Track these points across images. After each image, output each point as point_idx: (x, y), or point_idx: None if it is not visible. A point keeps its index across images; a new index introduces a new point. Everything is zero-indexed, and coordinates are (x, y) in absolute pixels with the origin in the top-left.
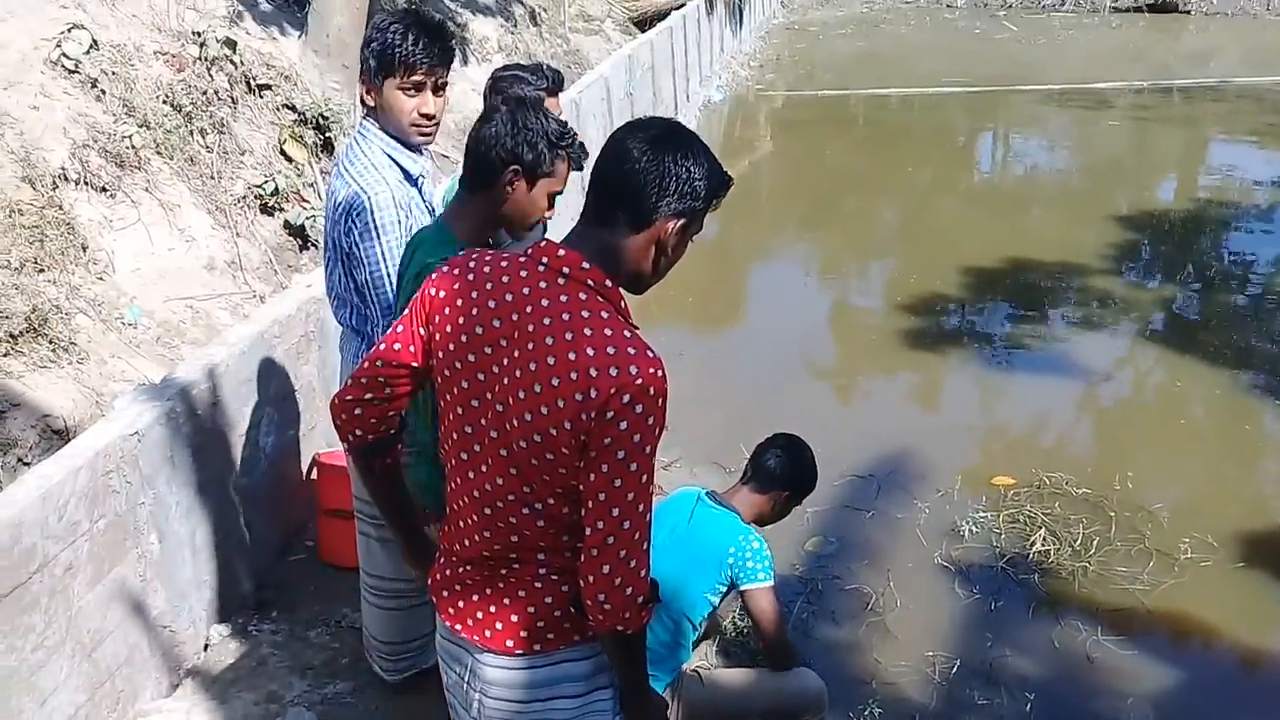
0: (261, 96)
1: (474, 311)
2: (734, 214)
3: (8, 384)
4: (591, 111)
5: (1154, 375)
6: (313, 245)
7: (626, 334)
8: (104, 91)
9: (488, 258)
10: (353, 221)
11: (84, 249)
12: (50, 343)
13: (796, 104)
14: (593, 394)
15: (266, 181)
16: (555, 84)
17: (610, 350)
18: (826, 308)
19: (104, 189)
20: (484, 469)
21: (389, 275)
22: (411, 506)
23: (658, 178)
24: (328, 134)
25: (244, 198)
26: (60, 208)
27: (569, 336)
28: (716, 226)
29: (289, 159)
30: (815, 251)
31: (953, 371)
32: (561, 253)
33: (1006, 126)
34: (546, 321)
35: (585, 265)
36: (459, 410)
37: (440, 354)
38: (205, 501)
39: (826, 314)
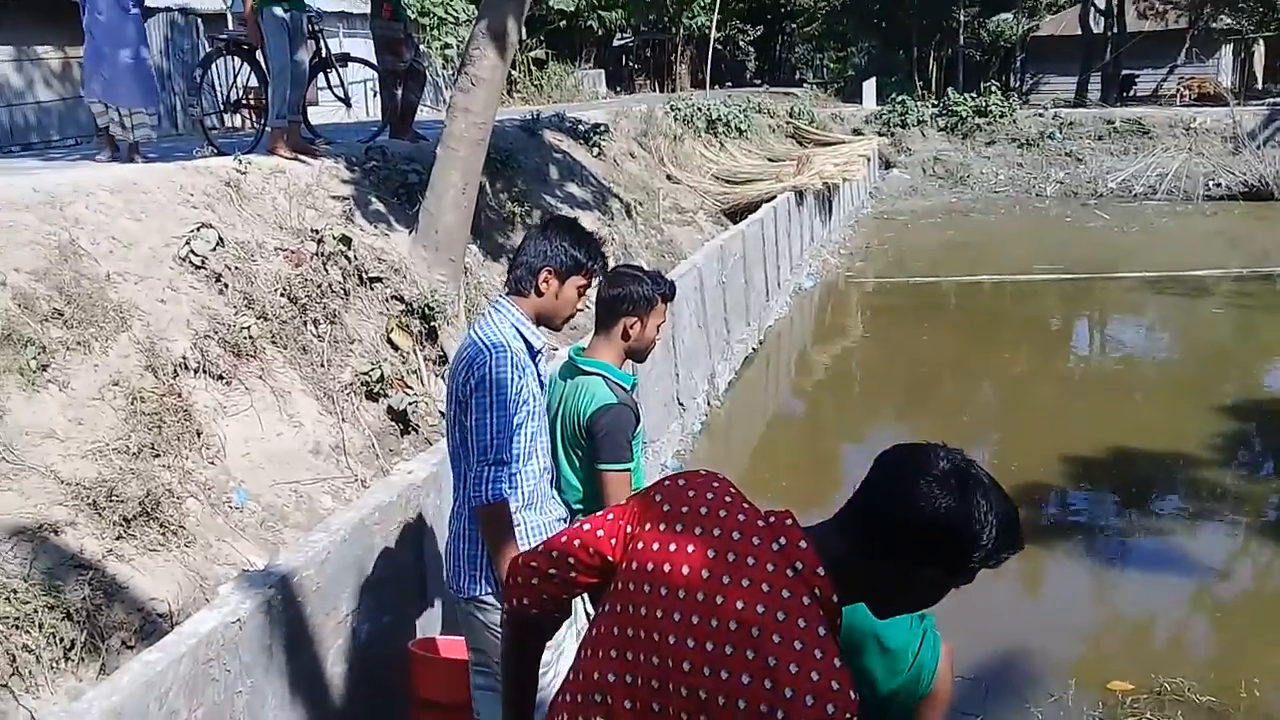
0: (372, 288)
1: (690, 549)
2: (827, 398)
3: (118, 567)
4: (685, 299)
5: (1274, 572)
6: (414, 430)
7: (837, 663)
8: (227, 285)
9: (728, 498)
10: (471, 371)
11: (198, 434)
12: (161, 526)
13: (888, 290)
14: (779, 715)
15: (373, 369)
16: (670, 291)
17: (814, 676)
18: None
19: (221, 377)
20: (627, 705)
21: (492, 426)
22: (533, 700)
23: (946, 529)
24: (433, 323)
25: (351, 384)
26: (179, 395)
27: (776, 640)
28: (809, 410)
29: (395, 347)
30: (911, 437)
31: (1060, 564)
32: (803, 544)
33: (1103, 313)
34: (760, 610)
35: (820, 571)
36: (619, 631)
37: (633, 564)
38: (301, 691)
39: None
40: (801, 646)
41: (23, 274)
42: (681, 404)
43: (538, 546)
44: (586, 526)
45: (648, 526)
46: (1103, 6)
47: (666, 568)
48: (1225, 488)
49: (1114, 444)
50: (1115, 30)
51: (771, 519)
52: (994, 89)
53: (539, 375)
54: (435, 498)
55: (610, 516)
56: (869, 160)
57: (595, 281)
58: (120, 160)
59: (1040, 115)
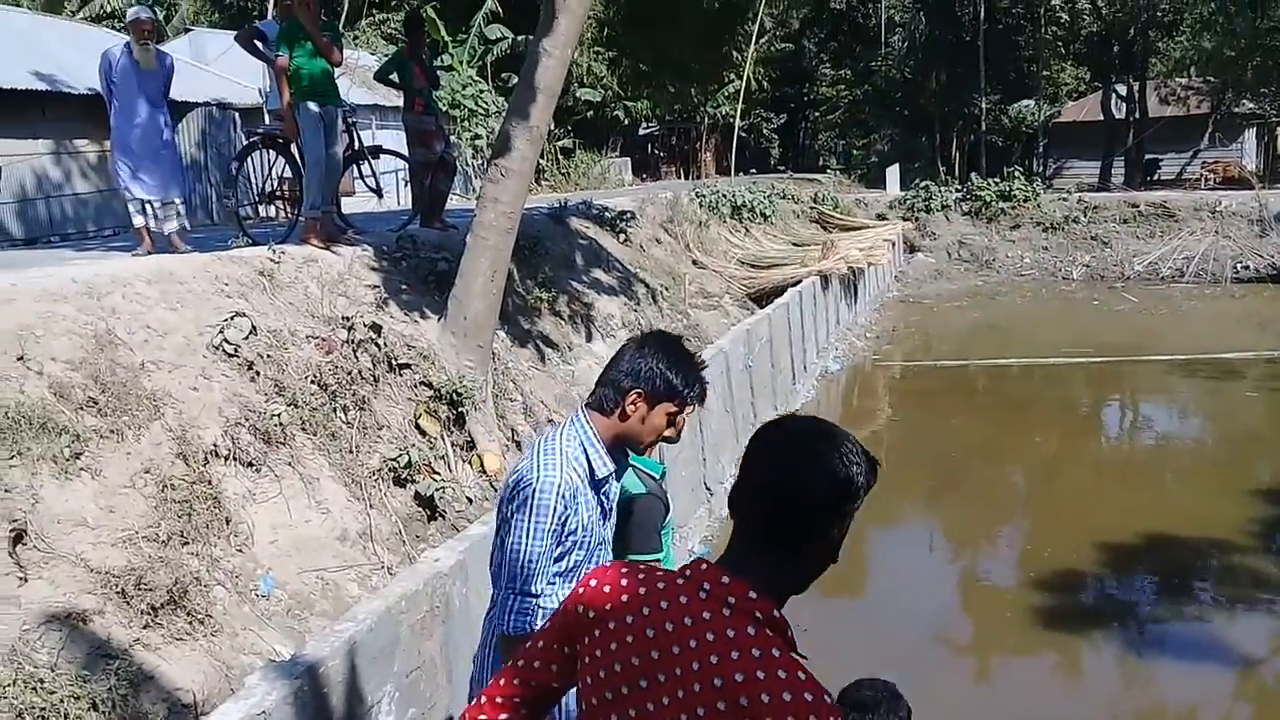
0: (401, 374)
1: (629, 639)
2: None
3: (145, 656)
4: (712, 384)
5: None
6: (440, 516)
7: (801, 675)
8: (259, 373)
9: (640, 576)
10: (516, 491)
11: (227, 521)
12: (188, 614)
13: (915, 374)
14: None
15: (401, 454)
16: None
17: (787, 698)
18: (955, 581)
19: (251, 464)
20: None
21: (525, 554)
22: None
23: (830, 491)
24: (460, 409)
25: (379, 470)
26: (209, 482)
27: (739, 679)
28: None
29: (423, 433)
30: (941, 522)
31: (1097, 653)
32: (725, 580)
33: (1133, 396)
34: (713, 660)
35: (752, 595)
36: None
37: (589, 679)
38: None
39: (956, 588)
40: (765, 675)
41: (59, 363)
42: (709, 489)
43: (480, 696)
44: (521, 662)
45: (586, 640)
46: (1124, 93)
47: (618, 668)
48: (1263, 573)
49: (1148, 529)
50: (1137, 116)
51: (687, 572)
52: (1017, 174)
53: (602, 502)
54: (462, 586)
55: (541, 644)
56: (894, 244)
57: (689, 410)
58: (159, 252)
59: (1064, 199)
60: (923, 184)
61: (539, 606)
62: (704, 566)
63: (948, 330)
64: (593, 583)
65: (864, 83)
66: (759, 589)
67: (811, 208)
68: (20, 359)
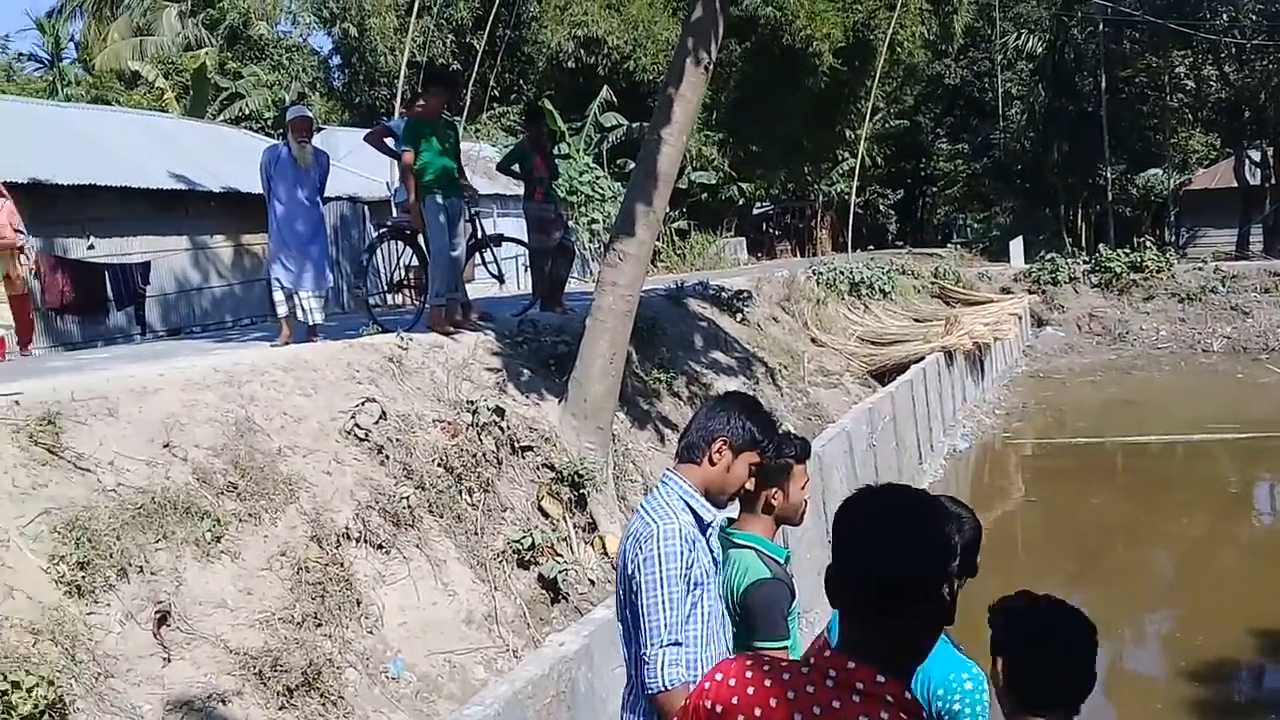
0: (523, 457)
1: None
2: (989, 565)
3: None
4: (835, 464)
5: None
6: (564, 598)
7: None
8: (388, 457)
9: (765, 667)
10: (640, 548)
11: (358, 603)
12: (321, 696)
13: (1048, 452)
14: None
15: (524, 536)
16: (803, 452)
17: None
18: (1101, 670)
19: (380, 546)
20: None
21: (664, 605)
22: None
23: (926, 558)
24: (582, 490)
25: (503, 552)
26: (341, 564)
27: None
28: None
29: (545, 514)
30: (1083, 607)
31: None
32: (850, 665)
33: None
34: None
35: (880, 679)
36: None
37: None
38: None
39: (1101, 677)
40: None
41: (202, 449)
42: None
43: None
44: None
45: None
46: (1258, 159)
47: None
48: None
49: None
50: (1274, 181)
51: (811, 659)
52: (1149, 244)
53: (710, 550)
54: (587, 670)
55: None
56: (1020, 318)
57: (768, 461)
58: (297, 341)
59: (1200, 269)
60: (1048, 256)
61: (687, 655)
62: (828, 654)
63: (1082, 406)
64: (718, 676)
65: (983, 156)
66: (885, 670)
67: (932, 282)
68: (166, 446)
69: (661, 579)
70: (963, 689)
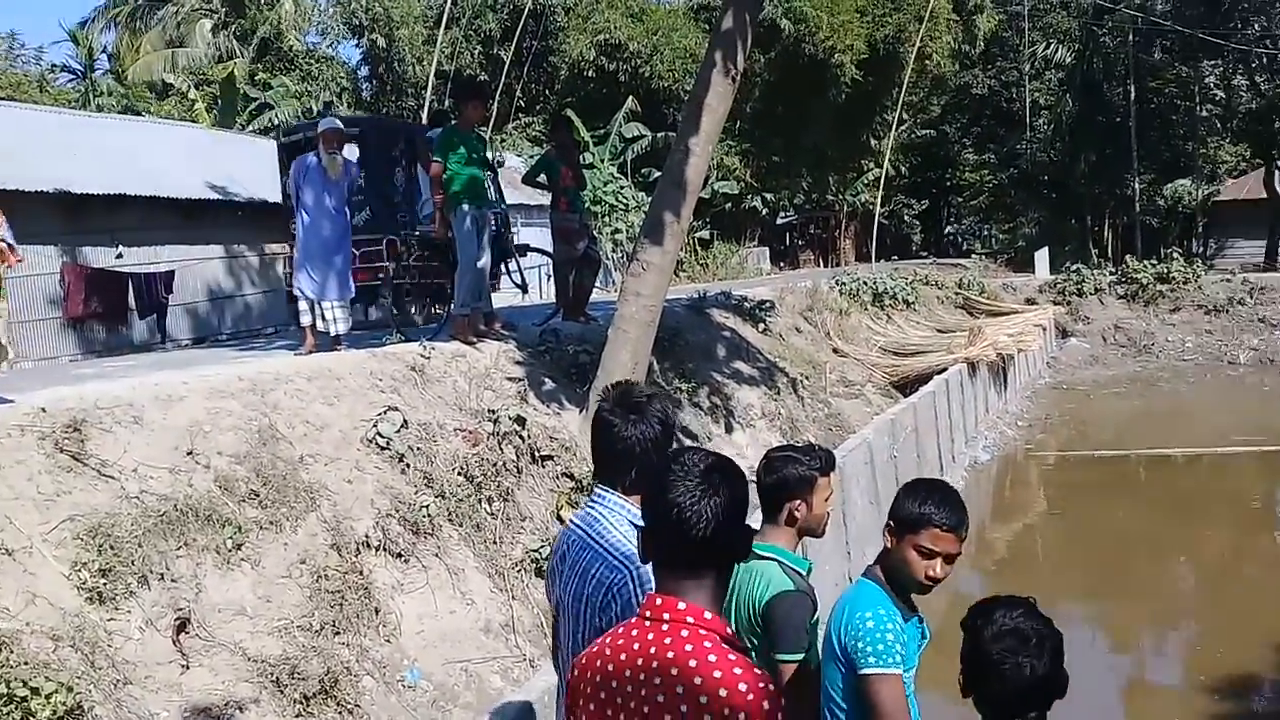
0: (543, 466)
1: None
2: (1008, 579)
3: None
4: (855, 476)
5: None
6: None
7: (738, 670)
8: (409, 465)
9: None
10: (612, 597)
11: (376, 611)
12: (338, 704)
13: (1071, 464)
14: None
15: (543, 545)
16: (827, 464)
17: (723, 694)
18: (1121, 684)
19: (400, 554)
20: None
21: None
22: None
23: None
24: None
25: (521, 561)
26: (360, 573)
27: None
28: (991, 591)
29: (564, 523)
30: (1104, 621)
31: None
32: (681, 605)
33: None
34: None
35: (681, 606)
36: None
37: None
38: None
39: (1121, 692)
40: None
41: (225, 457)
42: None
43: None
44: None
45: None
46: None
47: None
48: None
49: None
50: None
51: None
52: (1176, 255)
53: None
54: None
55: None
56: (1045, 330)
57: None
58: (321, 350)
59: (1228, 280)
60: (1074, 267)
61: None
62: (659, 600)
63: (1106, 418)
64: (583, 661)
65: (1009, 166)
66: (693, 602)
67: (956, 293)
68: (189, 453)
69: None
70: (865, 627)
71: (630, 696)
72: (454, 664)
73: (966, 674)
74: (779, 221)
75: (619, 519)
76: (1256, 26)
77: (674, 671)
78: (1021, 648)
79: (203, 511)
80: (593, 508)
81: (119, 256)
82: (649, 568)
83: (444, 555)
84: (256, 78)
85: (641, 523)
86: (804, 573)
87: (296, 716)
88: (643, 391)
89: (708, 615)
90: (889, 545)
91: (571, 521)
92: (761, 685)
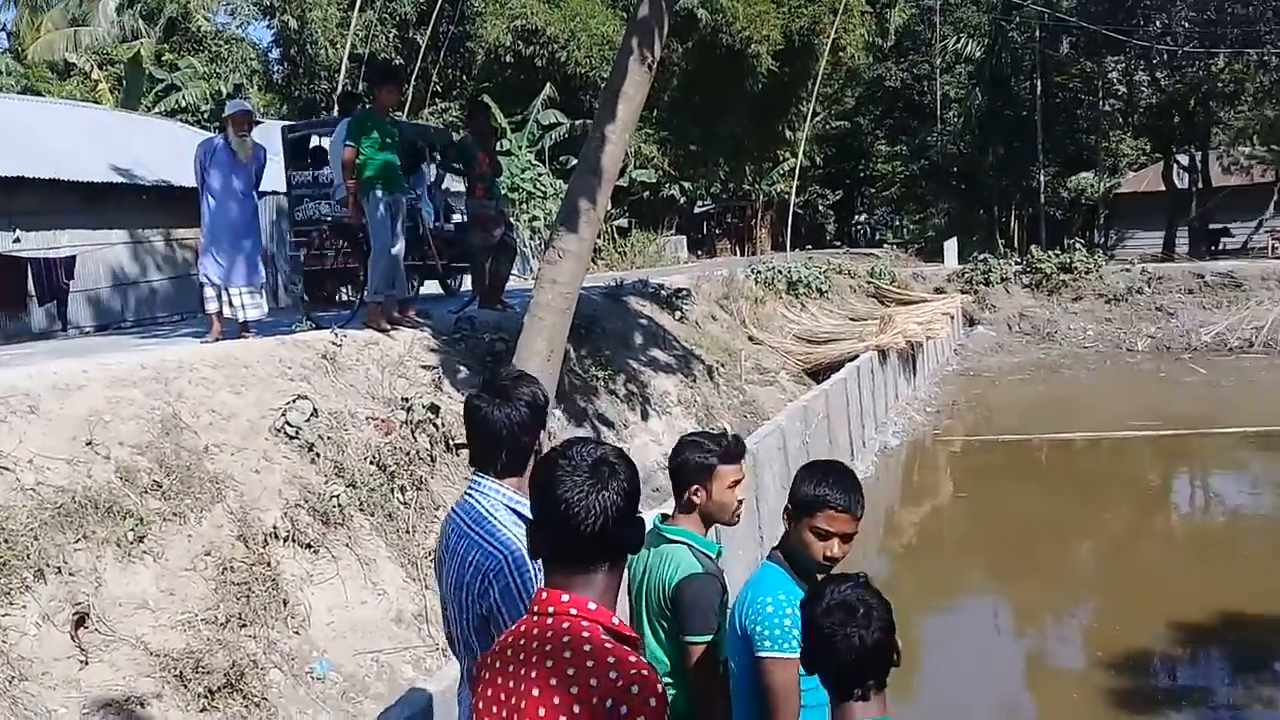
0: (458, 454)
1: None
2: (915, 562)
3: None
4: (769, 461)
5: None
6: None
7: (628, 659)
8: (319, 455)
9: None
10: (489, 584)
11: (285, 603)
12: (244, 698)
13: (976, 449)
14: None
15: None
16: (730, 452)
17: (612, 675)
18: (1021, 662)
19: (309, 545)
20: None
21: None
22: None
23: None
24: None
25: (434, 550)
26: (268, 564)
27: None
28: (898, 572)
29: None
30: (1005, 602)
31: None
32: (564, 598)
33: (1204, 470)
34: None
35: (564, 599)
36: None
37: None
38: None
39: (1021, 669)
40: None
41: (126, 447)
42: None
43: None
44: None
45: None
46: (1186, 163)
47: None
48: None
49: (1221, 607)
50: (1200, 186)
51: (536, 606)
52: (1078, 245)
53: None
54: None
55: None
56: (953, 318)
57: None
58: (228, 338)
59: (1127, 270)
60: (981, 257)
61: None
62: (544, 595)
63: (1010, 404)
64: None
65: (920, 158)
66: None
67: (868, 282)
68: (89, 444)
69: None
70: (764, 612)
71: (522, 680)
72: (365, 655)
73: (804, 651)
74: (696, 210)
75: (494, 504)
76: (1158, 24)
77: (567, 655)
78: (850, 619)
79: (102, 503)
80: (470, 495)
81: (16, 241)
82: (522, 548)
83: (355, 545)
84: (163, 58)
85: (520, 510)
86: (714, 556)
87: (201, 711)
88: (510, 374)
89: (592, 606)
90: (788, 528)
91: (453, 511)
92: (647, 671)
